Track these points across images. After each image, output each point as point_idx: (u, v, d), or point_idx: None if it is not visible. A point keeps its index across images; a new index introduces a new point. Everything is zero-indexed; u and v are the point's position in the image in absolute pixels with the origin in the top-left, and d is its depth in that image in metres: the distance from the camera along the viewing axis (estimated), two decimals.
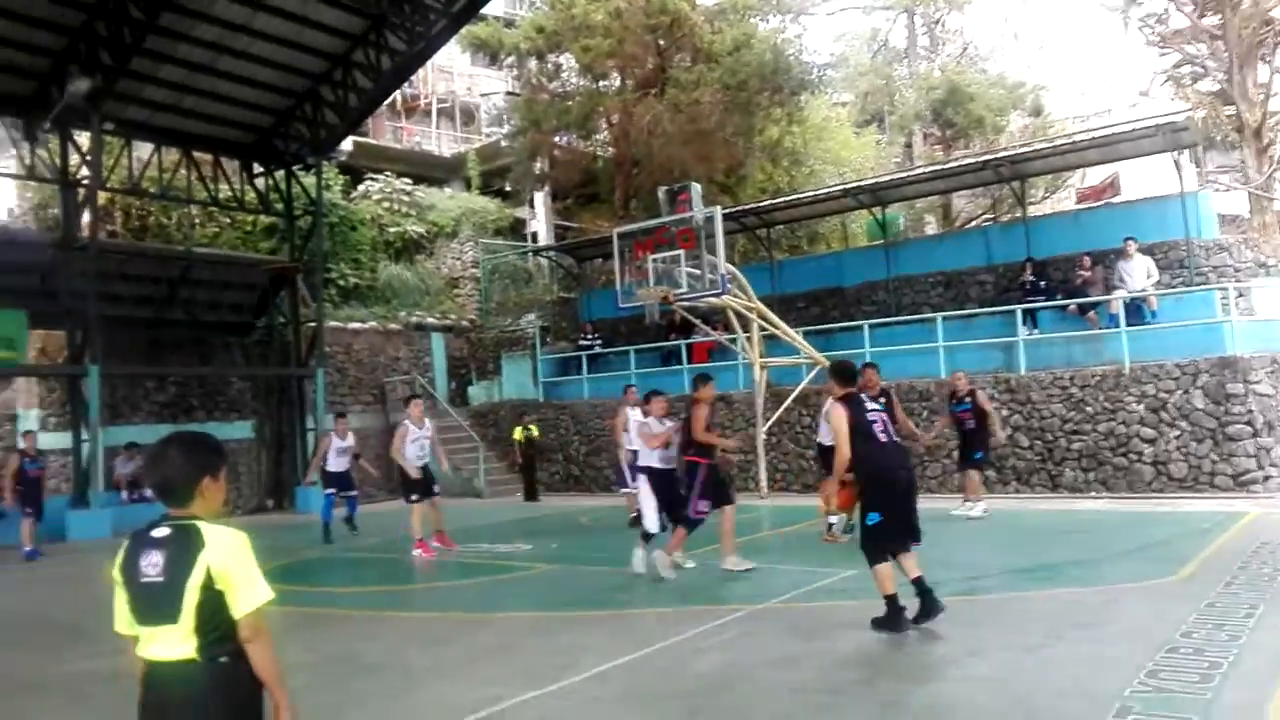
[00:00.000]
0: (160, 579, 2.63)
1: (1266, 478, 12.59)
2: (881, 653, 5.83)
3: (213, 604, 2.61)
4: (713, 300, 14.63)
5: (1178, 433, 13.21)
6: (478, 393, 23.29)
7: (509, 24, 27.05)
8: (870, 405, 6.67)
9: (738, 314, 15.63)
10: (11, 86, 16.39)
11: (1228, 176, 24.94)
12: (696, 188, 14.60)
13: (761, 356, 16.10)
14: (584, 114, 24.22)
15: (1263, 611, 6.10)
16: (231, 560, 2.64)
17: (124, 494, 17.06)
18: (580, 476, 20.00)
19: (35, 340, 17.78)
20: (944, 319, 16.10)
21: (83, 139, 17.20)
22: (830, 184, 23.14)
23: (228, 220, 23.03)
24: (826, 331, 17.73)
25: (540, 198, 29.14)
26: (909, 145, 32.83)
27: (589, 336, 21.64)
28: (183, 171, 18.88)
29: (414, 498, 11.35)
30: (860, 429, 6.34)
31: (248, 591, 2.64)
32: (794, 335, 16.23)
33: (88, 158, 16.93)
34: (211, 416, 19.82)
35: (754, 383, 15.98)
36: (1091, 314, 15.14)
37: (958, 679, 5.20)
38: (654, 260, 14.39)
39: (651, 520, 8.88)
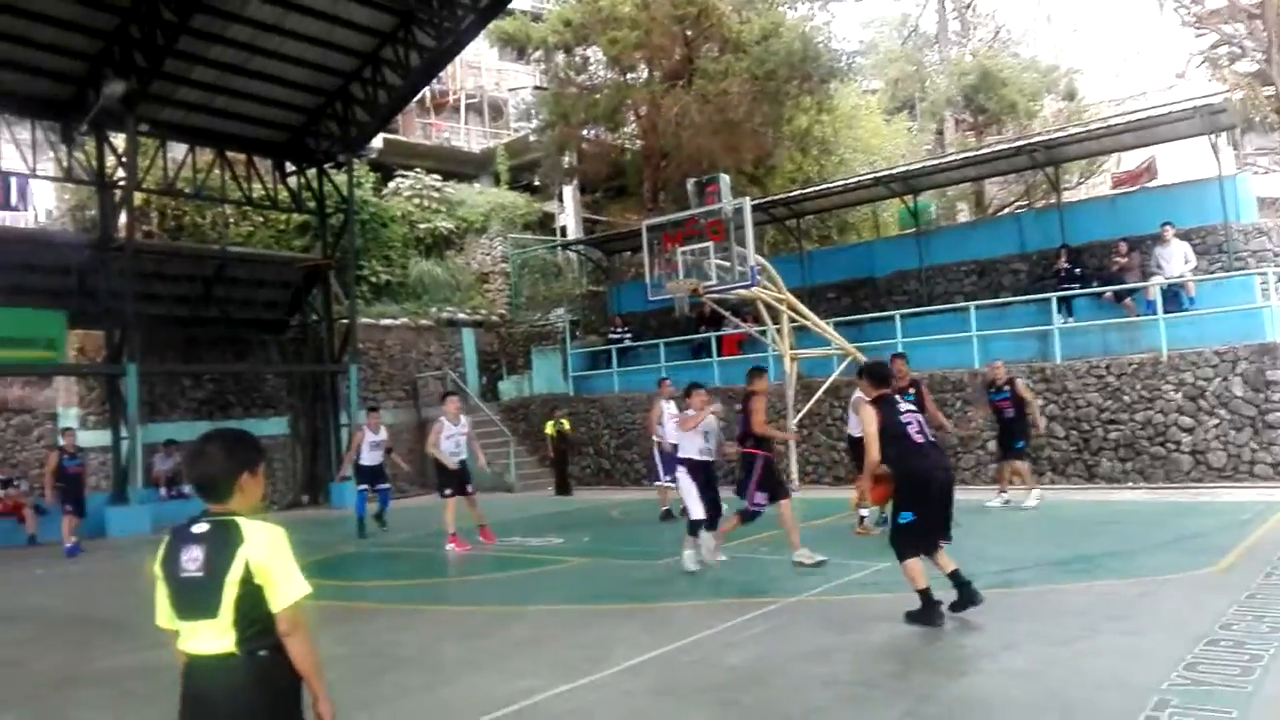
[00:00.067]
0: (200, 574, 2.68)
1: None
2: (915, 646, 5.79)
3: (252, 598, 2.66)
4: (742, 292, 14.56)
5: (1216, 421, 12.99)
6: (508, 387, 23.43)
7: (536, 18, 27.03)
8: (904, 405, 6.55)
9: (768, 306, 15.56)
10: (49, 91, 16.73)
11: (1267, 159, 24.46)
12: (725, 179, 14.49)
13: (792, 348, 16.03)
14: (612, 107, 24.18)
15: None
16: (270, 555, 2.69)
17: (162, 490, 17.35)
18: (611, 470, 20.05)
19: (74, 340, 18.08)
20: (977, 308, 15.92)
21: (118, 141, 17.50)
22: (860, 172, 22.91)
23: (261, 219, 23.32)
24: (857, 322, 17.63)
25: (569, 191, 29.16)
26: (940, 132, 32.41)
27: (619, 330, 21.66)
28: (216, 171, 19.18)
29: (448, 492, 11.46)
30: (891, 430, 6.23)
31: (286, 586, 2.69)
32: (824, 326, 16.13)
33: (123, 159, 17.19)
34: (247, 413, 20.10)
35: (784, 375, 15.93)
36: (1128, 301, 14.89)
37: (992, 672, 5.16)
38: (683, 253, 14.34)
39: (697, 509, 8.67)
